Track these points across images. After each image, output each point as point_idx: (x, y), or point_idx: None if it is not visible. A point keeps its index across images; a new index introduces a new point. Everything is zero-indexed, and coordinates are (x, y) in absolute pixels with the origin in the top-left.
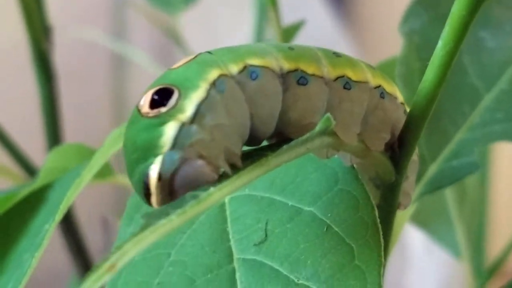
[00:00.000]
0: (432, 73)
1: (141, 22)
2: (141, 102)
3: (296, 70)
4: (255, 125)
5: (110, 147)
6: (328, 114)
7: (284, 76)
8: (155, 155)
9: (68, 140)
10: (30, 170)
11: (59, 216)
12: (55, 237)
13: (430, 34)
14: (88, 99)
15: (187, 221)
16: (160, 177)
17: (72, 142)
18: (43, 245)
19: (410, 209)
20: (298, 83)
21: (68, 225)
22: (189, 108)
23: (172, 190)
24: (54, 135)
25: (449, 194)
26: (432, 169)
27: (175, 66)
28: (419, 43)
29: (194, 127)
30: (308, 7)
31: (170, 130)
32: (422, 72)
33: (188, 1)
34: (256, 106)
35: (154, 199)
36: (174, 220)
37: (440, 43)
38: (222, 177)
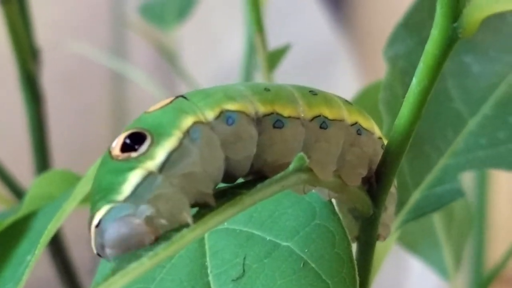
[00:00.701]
0: (407, 110)
1: (140, 38)
2: (113, 144)
3: (272, 113)
4: (230, 167)
5: (94, 175)
6: (301, 154)
7: (260, 120)
8: (109, 202)
9: (62, 158)
10: (18, 193)
11: (39, 250)
12: (43, 257)
13: (415, 59)
14: (85, 113)
15: (159, 264)
16: (98, 225)
17: (58, 169)
18: (24, 278)
19: (393, 237)
20: (274, 126)
21: (57, 247)
22: (159, 156)
23: (103, 244)
24: (42, 157)
25: (436, 215)
26: (415, 196)
27: (152, 109)
28: (403, 68)
29: (159, 178)
30: (306, 16)
31: (133, 179)
32: None
33: (180, 17)
34: (231, 150)
35: (93, 244)
36: (146, 263)
37: (414, 81)
38: (198, 214)
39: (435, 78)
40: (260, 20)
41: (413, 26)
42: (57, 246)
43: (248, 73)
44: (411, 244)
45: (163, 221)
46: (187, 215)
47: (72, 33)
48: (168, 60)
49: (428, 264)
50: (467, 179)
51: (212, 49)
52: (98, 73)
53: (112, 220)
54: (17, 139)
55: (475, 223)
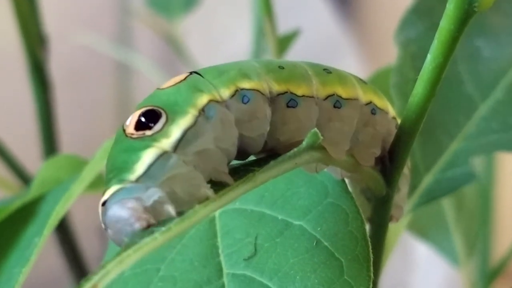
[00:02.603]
0: (422, 87)
1: (146, 29)
2: (127, 122)
3: (286, 92)
4: (243, 144)
5: (102, 158)
6: (315, 130)
7: (273, 98)
8: (121, 181)
9: (69, 148)
10: (25, 179)
11: (48, 230)
12: (52, 245)
13: (425, 43)
14: (92, 104)
15: (171, 239)
16: (104, 204)
17: (66, 153)
18: (32, 260)
19: (405, 220)
20: (288, 105)
21: (65, 233)
22: (174, 134)
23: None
24: (50, 144)
25: (446, 201)
26: (427, 180)
27: (165, 85)
28: (414, 52)
29: (174, 158)
30: (311, 9)
31: (147, 158)
32: None
33: (187, 6)
34: (245, 128)
35: (101, 221)
36: (158, 238)
37: (429, 57)
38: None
39: (450, 54)
40: (269, 4)
41: (423, 11)
42: (65, 235)
43: None
44: (422, 230)
45: (169, 209)
46: (206, 189)
47: (79, 24)
48: (174, 50)
49: (438, 250)
50: (476, 165)
51: (219, 39)
52: (105, 64)
53: (115, 202)
54: (25, 127)
55: (483, 210)
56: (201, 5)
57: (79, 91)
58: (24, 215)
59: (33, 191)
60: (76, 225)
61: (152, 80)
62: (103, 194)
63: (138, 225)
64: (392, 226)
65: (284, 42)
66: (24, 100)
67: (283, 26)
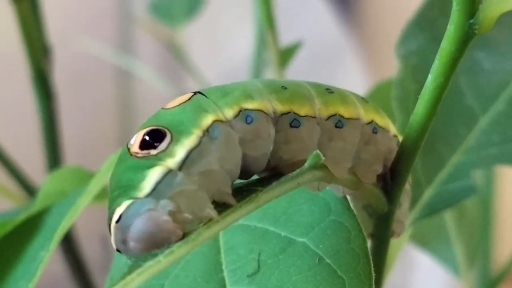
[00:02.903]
0: (423, 107)
1: (147, 35)
2: (132, 141)
3: (289, 112)
4: (247, 164)
5: (108, 171)
6: (317, 151)
7: (277, 118)
8: (130, 197)
9: (71, 154)
10: (29, 190)
11: (53, 244)
12: (55, 253)
13: (427, 56)
14: (93, 110)
15: (175, 261)
16: (118, 221)
17: (70, 165)
18: (38, 273)
19: (406, 234)
20: (291, 125)
21: (69, 243)
22: (179, 154)
23: (125, 239)
24: (54, 154)
25: (447, 212)
26: (428, 193)
27: (169, 105)
28: (415, 65)
29: (180, 176)
30: (314, 12)
31: (153, 176)
32: (418, 94)
33: (189, 13)
34: (249, 148)
35: (112, 240)
36: (162, 261)
37: (430, 77)
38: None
39: (450, 74)
40: (271, 17)
41: (424, 24)
42: (69, 243)
43: (258, 70)
44: (423, 241)
45: (188, 216)
46: (211, 210)
47: (81, 31)
48: (176, 57)
49: (439, 261)
50: (476, 177)
51: (220, 46)
52: (107, 70)
53: (136, 215)
54: (29, 137)
55: (484, 221)
56: (204, 12)
57: (81, 97)
58: (29, 227)
59: (38, 204)
60: (79, 233)
61: (154, 87)
62: (112, 212)
63: (173, 238)
64: (393, 241)
65: (286, 54)
66: (28, 109)
67: (285, 32)
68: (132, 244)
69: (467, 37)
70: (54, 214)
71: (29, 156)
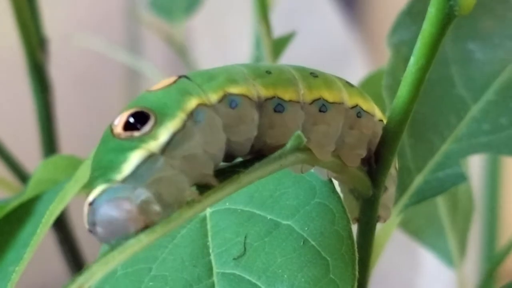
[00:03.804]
0: (405, 89)
1: (153, 33)
2: (115, 122)
3: (273, 97)
4: (231, 148)
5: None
6: (298, 132)
7: (261, 103)
8: (107, 181)
9: (76, 152)
10: (25, 179)
11: (42, 229)
12: (52, 246)
13: None
14: (100, 109)
15: (156, 240)
16: (92, 203)
17: (63, 154)
18: (26, 258)
19: (396, 220)
20: (275, 110)
21: (65, 234)
22: (162, 136)
23: (94, 222)
24: (49, 144)
25: (441, 202)
26: (418, 180)
27: (154, 88)
28: (406, 55)
29: (161, 161)
30: (319, 13)
31: (135, 159)
32: None
33: (188, 10)
34: (233, 133)
35: (85, 221)
36: (143, 239)
37: (412, 59)
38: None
39: (432, 56)
40: (265, 8)
41: (416, 14)
42: (69, 243)
43: None
44: (416, 231)
45: (157, 208)
46: (191, 192)
47: (88, 29)
48: (179, 54)
49: (433, 252)
50: (477, 167)
51: (224, 45)
52: (113, 69)
53: (105, 201)
54: (25, 128)
55: (485, 212)
56: (207, 11)
57: (88, 95)
58: (20, 214)
59: (29, 191)
60: (75, 226)
61: None
62: (89, 193)
63: (133, 227)
64: (382, 228)
65: (279, 45)
66: (25, 101)
67: (293, 38)
68: (98, 228)
69: (447, 19)
70: (45, 201)
71: (25, 146)
